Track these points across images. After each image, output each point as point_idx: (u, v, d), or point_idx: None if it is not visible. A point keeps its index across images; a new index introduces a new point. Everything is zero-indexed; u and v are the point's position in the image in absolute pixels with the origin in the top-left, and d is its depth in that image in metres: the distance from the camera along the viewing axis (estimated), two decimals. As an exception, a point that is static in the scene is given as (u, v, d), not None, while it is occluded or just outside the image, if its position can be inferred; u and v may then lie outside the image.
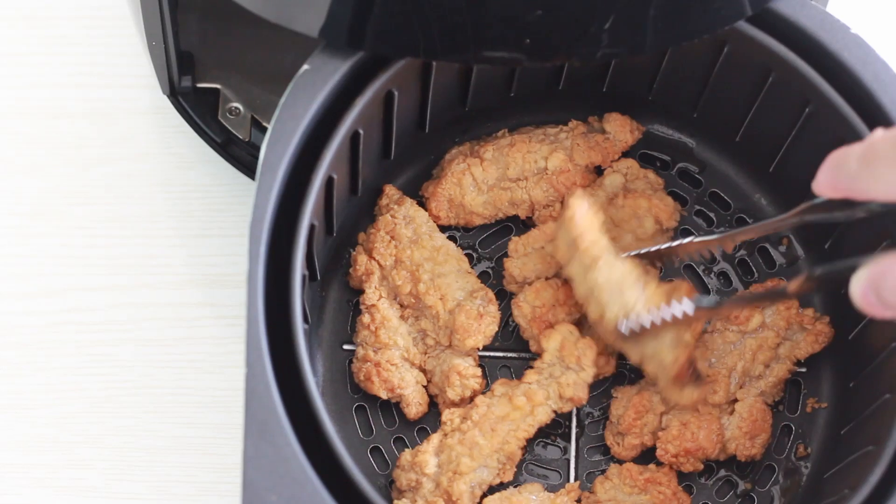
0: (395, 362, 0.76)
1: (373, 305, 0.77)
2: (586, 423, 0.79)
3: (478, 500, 0.74)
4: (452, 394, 0.76)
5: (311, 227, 0.69)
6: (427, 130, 0.79)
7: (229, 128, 0.86)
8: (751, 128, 0.79)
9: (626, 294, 0.72)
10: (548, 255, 0.78)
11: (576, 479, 0.78)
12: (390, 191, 0.80)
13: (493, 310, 0.76)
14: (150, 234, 0.88)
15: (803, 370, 0.78)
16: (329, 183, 0.71)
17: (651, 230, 0.79)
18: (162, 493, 0.83)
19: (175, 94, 0.86)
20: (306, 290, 0.73)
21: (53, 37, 0.93)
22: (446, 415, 0.75)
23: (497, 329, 0.77)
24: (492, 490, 0.76)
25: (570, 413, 0.78)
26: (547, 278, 0.78)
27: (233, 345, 0.86)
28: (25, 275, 0.87)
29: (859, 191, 0.60)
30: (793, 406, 0.79)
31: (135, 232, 0.89)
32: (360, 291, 0.78)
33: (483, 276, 0.81)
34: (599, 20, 0.66)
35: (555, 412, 0.76)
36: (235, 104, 0.87)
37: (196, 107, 0.87)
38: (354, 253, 0.78)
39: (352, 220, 0.79)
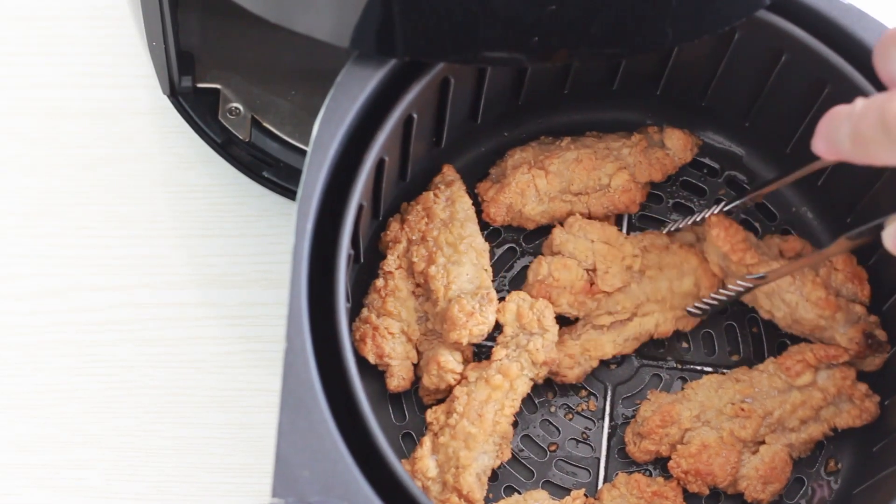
0: (392, 331, 0.76)
1: (389, 272, 0.77)
2: (619, 423, 0.79)
3: (486, 486, 0.75)
4: (427, 381, 0.76)
5: (360, 208, 0.69)
6: (479, 122, 0.80)
7: (229, 128, 0.86)
8: (802, 140, 0.78)
9: (785, 297, 0.76)
10: (590, 251, 0.78)
11: (605, 479, 0.78)
12: (448, 170, 0.79)
13: (489, 311, 0.75)
14: (150, 234, 0.88)
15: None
16: (380, 165, 0.71)
17: (686, 288, 0.79)
18: (162, 493, 0.83)
19: (175, 94, 0.86)
20: (350, 270, 0.73)
21: (53, 37, 0.93)
22: (430, 415, 0.75)
23: (488, 330, 0.76)
24: (496, 475, 0.76)
25: (602, 412, 0.79)
26: (580, 264, 0.78)
27: (233, 345, 0.86)
28: (25, 275, 0.87)
29: (856, 161, 0.61)
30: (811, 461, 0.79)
31: (135, 232, 0.89)
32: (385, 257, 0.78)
33: (523, 272, 0.81)
34: (602, 18, 0.66)
35: (532, 380, 0.76)
36: (235, 104, 0.87)
37: (196, 107, 0.87)
38: (391, 218, 0.78)
39: (396, 207, 0.79)
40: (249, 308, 0.87)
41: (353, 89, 0.67)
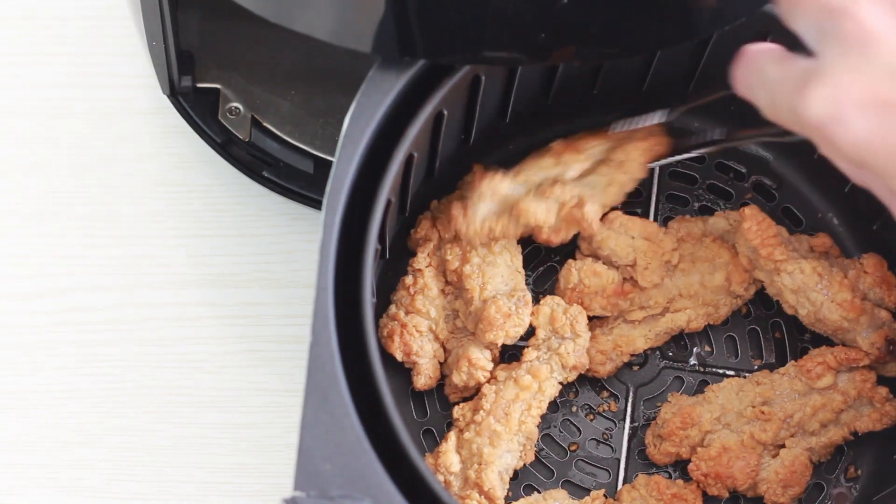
0: (420, 329, 0.76)
1: (419, 270, 0.77)
2: (640, 424, 0.79)
3: (507, 485, 0.75)
4: (457, 378, 0.76)
5: (388, 203, 0.69)
6: (508, 120, 0.79)
7: (229, 128, 0.86)
8: None
9: (811, 295, 0.76)
10: (631, 248, 0.78)
11: (624, 480, 0.78)
12: (478, 170, 0.79)
13: (524, 313, 0.76)
14: (150, 234, 0.88)
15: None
16: (409, 160, 0.71)
17: (718, 282, 0.79)
18: (162, 493, 0.83)
19: (175, 94, 0.86)
20: (376, 265, 0.73)
21: (53, 37, 0.93)
22: (457, 411, 0.76)
23: (522, 332, 0.76)
24: (516, 474, 0.76)
25: (623, 413, 0.79)
26: (615, 265, 0.78)
27: (233, 345, 0.86)
28: (25, 275, 0.87)
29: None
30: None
31: (135, 232, 0.89)
32: (414, 254, 0.78)
33: (548, 271, 0.81)
34: (606, 18, 0.66)
35: (561, 384, 0.76)
36: (235, 104, 0.87)
37: (196, 107, 0.87)
38: (421, 216, 0.78)
39: (421, 203, 0.79)
40: (249, 308, 0.87)
41: (384, 85, 0.67)
